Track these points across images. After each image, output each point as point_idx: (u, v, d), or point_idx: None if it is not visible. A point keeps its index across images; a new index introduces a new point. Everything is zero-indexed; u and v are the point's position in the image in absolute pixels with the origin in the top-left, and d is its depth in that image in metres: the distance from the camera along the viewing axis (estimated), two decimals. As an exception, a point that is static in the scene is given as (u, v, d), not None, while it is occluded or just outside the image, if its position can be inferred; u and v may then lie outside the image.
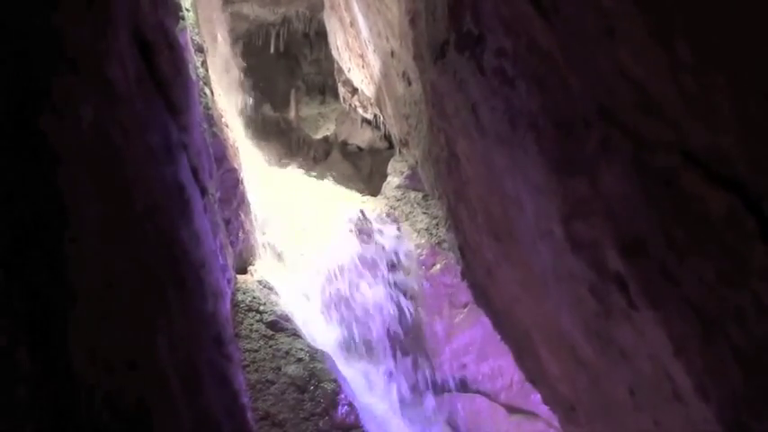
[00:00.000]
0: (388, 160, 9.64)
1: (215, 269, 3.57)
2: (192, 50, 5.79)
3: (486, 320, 5.11)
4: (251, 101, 12.35)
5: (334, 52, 10.97)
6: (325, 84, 13.60)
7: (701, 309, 1.96)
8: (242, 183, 6.93)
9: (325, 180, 10.23)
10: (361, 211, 8.47)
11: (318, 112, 14.18)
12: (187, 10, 6.56)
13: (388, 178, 9.25)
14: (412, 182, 8.78)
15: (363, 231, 8.26)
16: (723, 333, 1.88)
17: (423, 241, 8.32)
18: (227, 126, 7.01)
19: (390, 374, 7.70)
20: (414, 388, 7.81)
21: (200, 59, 6.61)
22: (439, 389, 7.96)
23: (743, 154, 1.65)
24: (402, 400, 7.58)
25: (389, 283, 8.08)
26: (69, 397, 1.47)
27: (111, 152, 2.02)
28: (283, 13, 12.55)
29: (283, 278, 7.44)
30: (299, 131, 13.33)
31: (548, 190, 2.76)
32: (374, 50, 8.17)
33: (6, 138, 1.34)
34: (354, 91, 10.62)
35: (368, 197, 9.25)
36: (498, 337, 4.94)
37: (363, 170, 11.02)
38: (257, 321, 6.46)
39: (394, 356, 7.84)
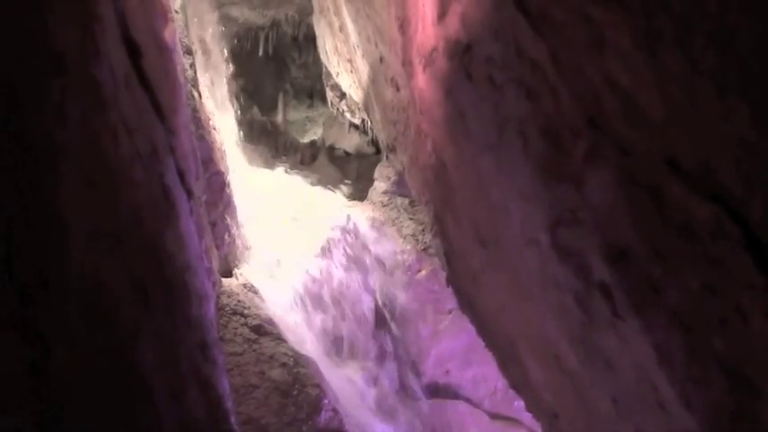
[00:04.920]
0: (375, 165, 9.65)
1: (200, 272, 3.56)
2: (181, 53, 5.77)
3: (470, 327, 5.12)
4: (239, 104, 12.31)
5: (322, 56, 10.96)
6: (314, 88, 13.59)
7: (686, 318, 1.97)
8: (228, 186, 6.91)
9: (312, 184, 10.22)
10: (348, 216, 8.47)
11: (306, 116, 14.17)
12: (176, 12, 6.54)
13: (375, 183, 9.26)
14: (399, 187, 8.79)
15: (349, 236, 8.25)
16: (707, 343, 1.89)
17: (408, 247, 8.33)
18: (214, 129, 6.99)
19: (374, 380, 7.69)
20: (397, 394, 7.81)
21: (189, 62, 6.60)
22: (423, 395, 7.96)
23: (728, 164, 1.66)
24: (386, 406, 7.58)
25: (374, 289, 8.08)
26: (54, 398, 1.47)
27: (98, 154, 2.01)
28: (272, 16, 12.54)
29: (268, 282, 7.42)
30: (286, 135, 13.31)
31: (534, 198, 2.77)
32: (363, 55, 8.17)
33: (-7, 138, 1.34)
34: (342, 95, 10.62)
35: (354, 202, 9.25)
36: (483, 343, 4.95)
37: (350, 175, 11.01)
38: (242, 325, 6.43)
39: (378, 362, 7.84)
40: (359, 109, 10.07)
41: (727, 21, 1.55)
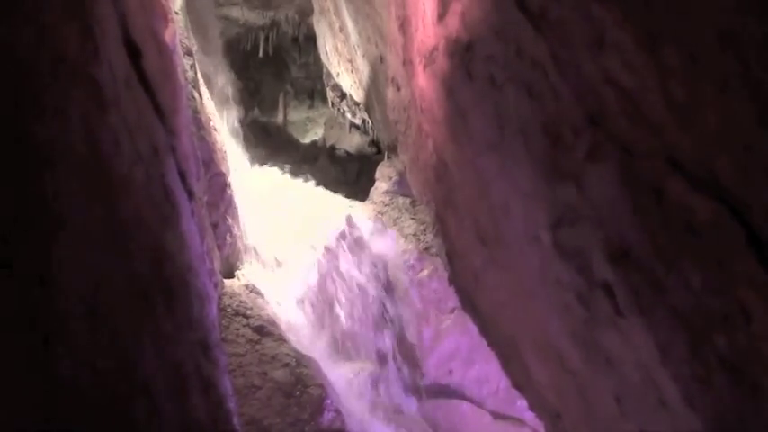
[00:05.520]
0: (377, 165, 9.63)
1: (202, 273, 3.56)
2: (181, 54, 5.77)
3: (472, 326, 5.11)
4: (239, 105, 12.32)
5: (323, 57, 10.97)
6: (314, 88, 13.60)
7: (688, 317, 1.96)
8: (229, 187, 6.91)
9: (313, 185, 10.23)
10: (349, 216, 8.46)
11: (307, 117, 14.17)
12: (177, 13, 6.54)
13: (376, 183, 9.24)
14: (400, 187, 8.78)
15: (351, 236, 8.25)
16: (709, 341, 1.89)
17: (410, 246, 8.32)
18: (215, 130, 6.99)
19: (376, 380, 7.68)
20: (400, 393, 7.80)
21: (190, 63, 6.59)
22: (425, 394, 7.95)
23: (729, 162, 1.66)
24: (388, 406, 7.57)
25: (376, 289, 8.07)
26: (55, 399, 1.46)
27: (98, 155, 2.01)
28: (272, 16, 12.54)
29: (270, 282, 7.42)
30: (287, 136, 13.32)
31: (535, 196, 2.76)
32: (363, 55, 8.17)
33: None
34: (343, 96, 10.62)
35: (355, 202, 9.24)
36: (485, 343, 4.94)
37: (351, 175, 11.02)
38: (244, 326, 6.43)
39: (380, 362, 7.83)
40: (360, 109, 10.07)
41: (729, 19, 1.55)
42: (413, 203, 8.67)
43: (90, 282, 1.69)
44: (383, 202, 8.92)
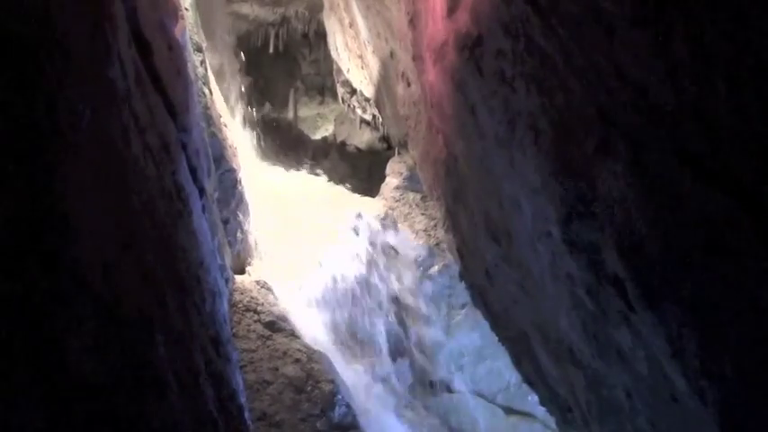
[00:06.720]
0: (387, 161, 9.63)
1: (213, 269, 3.58)
2: (192, 50, 5.78)
3: (483, 322, 5.12)
4: (250, 101, 12.33)
5: (333, 53, 10.96)
6: (324, 84, 13.57)
7: (700, 311, 1.96)
8: (240, 183, 6.92)
9: (324, 181, 10.24)
10: (360, 213, 8.47)
11: (317, 113, 14.15)
12: (186, 9, 6.55)
13: (387, 179, 9.23)
14: (410, 183, 8.77)
15: (361, 232, 8.25)
16: (720, 335, 1.88)
17: (421, 242, 8.31)
18: (225, 126, 7.00)
19: (387, 376, 7.69)
20: (410, 389, 7.81)
21: (200, 59, 6.60)
22: (436, 390, 7.96)
23: (740, 156, 1.65)
24: (399, 402, 7.58)
25: (387, 285, 8.07)
26: (66, 397, 1.47)
27: (109, 152, 2.02)
28: (283, 13, 12.55)
29: (281, 278, 7.43)
30: (297, 132, 13.32)
31: (546, 191, 2.76)
32: (373, 51, 8.16)
33: (4, 136, 1.34)
34: (353, 91, 10.61)
35: (366, 198, 9.24)
36: (496, 338, 4.95)
37: (362, 171, 11.00)
38: (255, 321, 6.45)
39: (391, 357, 7.84)
40: (370, 105, 10.07)
41: (739, 14, 1.54)
42: (423, 199, 8.66)
43: (100, 278, 1.70)
44: (393, 198, 8.92)
